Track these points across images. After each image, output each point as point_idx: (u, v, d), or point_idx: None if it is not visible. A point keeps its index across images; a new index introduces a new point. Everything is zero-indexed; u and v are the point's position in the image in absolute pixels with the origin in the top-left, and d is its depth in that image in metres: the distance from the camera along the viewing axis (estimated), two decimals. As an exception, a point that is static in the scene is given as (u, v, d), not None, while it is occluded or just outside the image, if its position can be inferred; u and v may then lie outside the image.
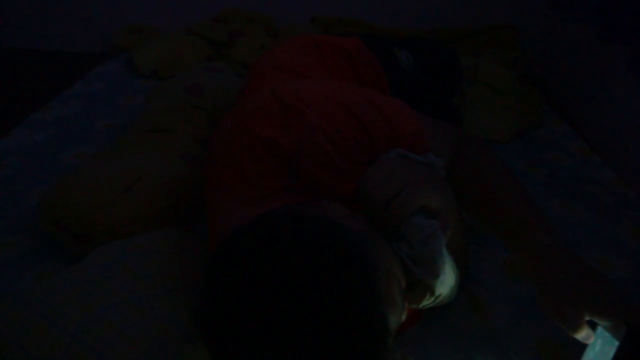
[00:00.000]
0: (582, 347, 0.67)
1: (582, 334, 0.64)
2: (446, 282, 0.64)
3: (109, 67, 1.88)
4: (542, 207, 0.76)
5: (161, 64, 1.81)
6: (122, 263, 0.81)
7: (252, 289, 0.50)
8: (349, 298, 0.50)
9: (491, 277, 0.96)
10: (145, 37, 2.03)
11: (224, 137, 0.79)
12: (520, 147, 1.41)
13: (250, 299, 0.49)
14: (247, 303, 0.49)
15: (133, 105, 1.59)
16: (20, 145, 1.38)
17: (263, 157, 0.72)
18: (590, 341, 0.65)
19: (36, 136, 1.42)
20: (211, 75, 1.46)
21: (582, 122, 1.57)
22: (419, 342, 0.82)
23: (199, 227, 1.04)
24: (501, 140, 1.42)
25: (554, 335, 0.82)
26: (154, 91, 1.43)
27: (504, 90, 1.57)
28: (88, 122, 1.50)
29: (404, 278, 0.61)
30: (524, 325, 0.86)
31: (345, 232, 0.56)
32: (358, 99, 0.77)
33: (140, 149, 1.13)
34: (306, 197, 0.71)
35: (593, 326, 0.65)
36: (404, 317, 0.61)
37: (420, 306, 0.66)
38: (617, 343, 0.60)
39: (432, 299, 0.65)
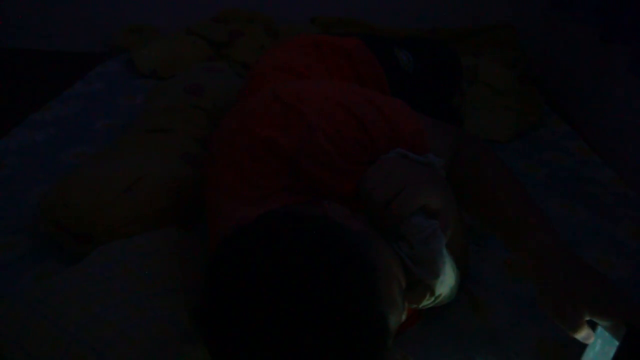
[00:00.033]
0: (582, 347, 0.67)
1: (582, 334, 0.64)
2: (446, 282, 0.64)
3: (109, 67, 1.88)
4: (542, 207, 0.76)
5: (161, 64, 1.81)
6: (122, 263, 0.81)
7: (252, 289, 0.50)
8: (349, 298, 0.50)
9: (491, 277, 0.96)
10: (145, 37, 2.03)
11: (224, 137, 0.79)
12: (520, 147, 1.41)
13: (250, 299, 0.49)
14: (247, 303, 0.49)
15: (133, 105, 1.59)
16: (20, 145, 1.38)
17: (263, 157, 0.72)
18: (590, 341, 0.65)
19: (36, 136, 1.42)
20: (211, 75, 1.46)
21: (582, 122, 1.57)
22: (419, 342, 0.82)
23: (199, 227, 1.04)
24: (501, 140, 1.42)
25: (554, 335, 0.82)
26: (154, 91, 1.43)
27: (504, 90, 1.57)
28: (88, 122, 1.50)
29: (404, 278, 0.61)
30: (524, 325, 0.86)
31: (345, 232, 0.56)
32: (358, 99, 0.77)
33: (140, 149, 1.13)
34: (306, 197, 0.71)
35: (593, 326, 0.65)
36: (404, 317, 0.61)
37: (420, 306, 0.66)
38: (617, 343, 0.60)
39: (432, 299, 0.65)
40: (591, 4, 1.50)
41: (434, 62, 1.21)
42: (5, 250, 1.01)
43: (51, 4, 2.15)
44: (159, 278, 0.80)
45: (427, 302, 0.65)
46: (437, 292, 0.64)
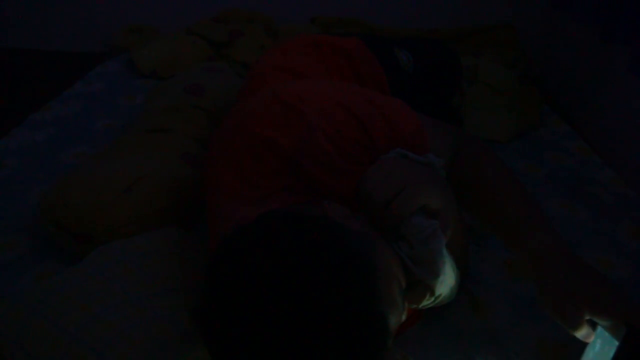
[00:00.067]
0: (581, 347, 0.67)
1: (582, 332, 0.64)
2: (446, 282, 0.64)
3: (109, 67, 1.88)
4: (542, 207, 0.76)
5: (161, 64, 1.81)
6: (122, 263, 0.81)
7: (252, 289, 0.50)
8: (349, 298, 0.50)
9: (491, 277, 0.96)
10: (145, 37, 2.03)
11: (224, 137, 0.79)
12: (520, 147, 1.41)
13: (250, 299, 0.49)
14: (247, 303, 0.49)
15: (133, 105, 1.59)
16: (20, 145, 1.38)
17: (263, 157, 0.72)
18: (590, 340, 0.65)
19: (36, 136, 1.42)
20: (211, 75, 1.46)
21: (582, 122, 1.57)
22: (419, 342, 0.82)
23: (199, 227, 1.04)
24: (501, 140, 1.42)
25: (554, 335, 0.82)
26: (154, 91, 1.43)
27: (504, 90, 1.57)
28: (88, 122, 1.50)
29: (404, 278, 0.61)
30: (524, 325, 0.86)
31: (345, 232, 0.56)
32: (358, 99, 0.77)
33: (140, 149, 1.13)
34: (306, 197, 0.71)
35: (593, 326, 0.65)
36: (404, 317, 0.61)
37: (420, 306, 0.65)
38: (616, 343, 0.60)
39: (432, 299, 0.65)
40: (591, 4, 1.50)
41: (434, 62, 1.21)
42: (5, 250, 1.01)
43: (51, 4, 2.15)
44: (159, 278, 0.80)
45: (427, 302, 0.65)
46: (437, 292, 0.64)
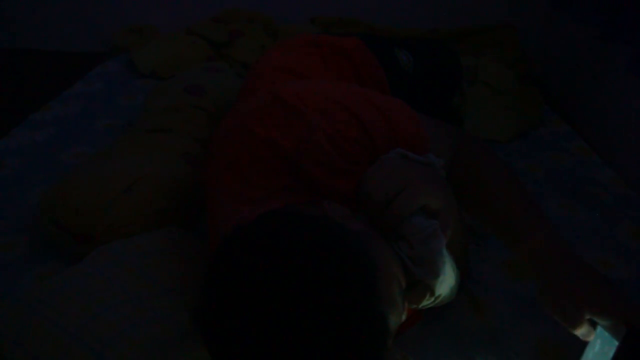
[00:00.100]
0: (581, 347, 0.67)
1: (582, 331, 0.64)
2: (446, 282, 0.64)
3: (109, 67, 1.88)
4: (542, 207, 0.76)
5: (161, 64, 1.81)
6: (122, 263, 0.81)
7: (252, 289, 0.50)
8: (349, 298, 0.50)
9: (491, 277, 0.96)
10: (145, 37, 2.03)
11: (224, 137, 0.79)
12: (520, 147, 1.41)
13: (250, 299, 0.49)
14: (247, 303, 0.49)
15: (133, 105, 1.59)
16: (20, 145, 1.38)
17: (263, 157, 0.72)
18: (590, 338, 0.65)
19: (36, 136, 1.42)
20: (211, 75, 1.46)
21: (582, 122, 1.57)
22: (419, 342, 0.82)
23: (199, 227, 1.04)
24: (501, 140, 1.42)
25: (554, 335, 0.82)
26: (154, 91, 1.43)
27: (504, 90, 1.57)
28: (88, 122, 1.50)
29: (404, 278, 0.61)
30: (524, 325, 0.86)
31: (345, 232, 0.56)
32: (358, 99, 0.77)
33: (140, 149, 1.13)
34: (306, 197, 0.71)
35: (593, 326, 0.65)
36: (404, 317, 0.61)
37: (420, 306, 0.65)
38: (616, 343, 0.60)
39: (432, 299, 0.65)
40: (591, 4, 1.50)
41: (434, 62, 1.21)
42: (5, 250, 1.01)
43: (51, 4, 2.15)
44: (159, 278, 0.80)
45: (427, 302, 0.65)
46: (437, 292, 0.64)
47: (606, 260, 1.01)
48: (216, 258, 0.55)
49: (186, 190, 1.03)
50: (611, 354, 0.60)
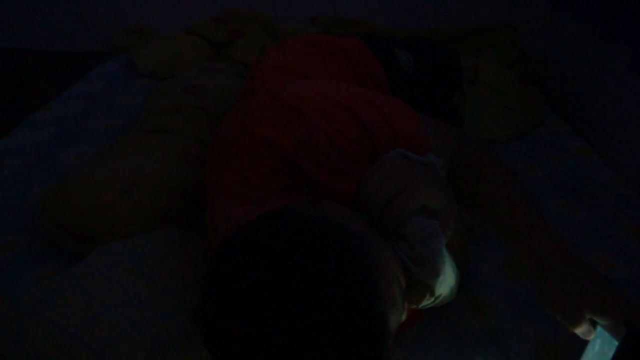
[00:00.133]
0: (581, 347, 0.67)
1: (582, 329, 0.64)
2: (446, 282, 0.64)
3: (109, 67, 1.88)
4: (542, 207, 0.76)
5: (161, 64, 1.81)
6: (122, 263, 0.81)
7: (252, 289, 0.50)
8: (349, 298, 0.50)
9: (491, 277, 0.96)
10: (145, 37, 2.03)
11: (224, 137, 0.79)
12: (520, 147, 1.41)
13: (250, 299, 0.49)
14: (247, 303, 0.49)
15: (133, 105, 1.59)
16: (20, 145, 1.38)
17: (263, 157, 0.72)
18: (591, 337, 0.65)
19: (36, 136, 1.42)
20: (211, 75, 1.46)
21: (582, 122, 1.57)
22: (419, 342, 0.82)
23: (199, 227, 1.04)
24: (501, 140, 1.42)
25: (554, 335, 0.82)
26: (154, 91, 1.43)
27: (504, 90, 1.57)
28: (88, 122, 1.50)
29: (404, 278, 0.61)
30: (524, 325, 0.86)
31: (345, 232, 0.56)
32: (358, 99, 0.77)
33: (140, 149, 1.13)
34: (306, 197, 0.71)
35: (593, 325, 0.65)
36: (404, 317, 0.61)
37: (420, 306, 0.66)
38: (616, 343, 0.60)
39: (432, 299, 0.65)
40: (591, 4, 1.50)
41: (434, 62, 1.21)
42: (5, 250, 1.01)
43: (51, 4, 2.15)
44: (159, 278, 0.80)
45: (427, 302, 0.65)
46: (437, 292, 0.64)
47: (606, 260, 1.01)
48: (216, 258, 0.55)
49: (186, 190, 1.03)
50: (611, 354, 0.60)
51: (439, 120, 0.84)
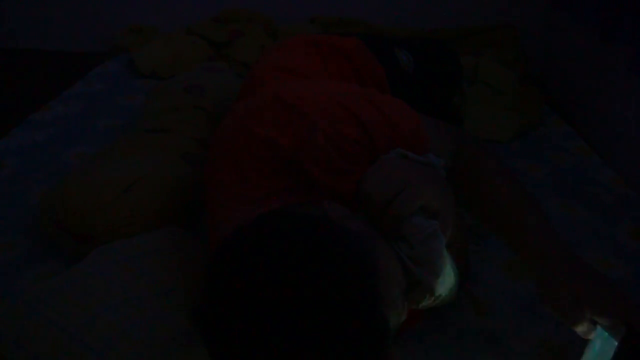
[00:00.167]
0: (581, 347, 0.67)
1: (582, 328, 0.65)
2: (446, 283, 0.64)
3: (109, 67, 1.88)
4: (542, 207, 0.76)
5: (161, 64, 1.81)
6: (122, 263, 0.81)
7: (252, 289, 0.50)
8: (349, 298, 0.50)
9: (491, 277, 0.96)
10: (145, 37, 2.03)
11: (224, 137, 0.79)
12: (520, 147, 1.41)
13: (250, 299, 0.49)
14: (247, 303, 0.49)
15: (133, 105, 1.59)
16: (20, 145, 1.38)
17: (263, 157, 0.72)
18: (591, 336, 0.65)
19: (36, 136, 1.42)
20: (211, 75, 1.46)
21: (582, 122, 1.57)
22: (419, 342, 0.82)
23: (199, 227, 1.04)
24: (501, 140, 1.42)
25: (554, 335, 0.82)
26: (154, 91, 1.43)
27: (504, 90, 1.57)
28: (88, 122, 1.50)
29: (404, 278, 0.61)
30: (524, 325, 0.86)
31: (345, 232, 0.56)
32: (358, 99, 0.77)
33: (140, 149, 1.13)
34: (306, 197, 0.71)
35: (593, 325, 0.65)
36: (404, 317, 0.61)
37: (420, 306, 0.65)
38: (616, 343, 0.60)
39: (432, 299, 0.65)
40: (591, 4, 1.50)
41: (434, 62, 1.21)
42: (5, 250, 1.01)
43: (51, 4, 2.15)
44: (159, 278, 0.80)
45: (427, 302, 0.65)
46: (437, 293, 0.64)
47: (606, 260, 1.01)
48: (216, 258, 0.55)
49: (186, 190, 1.03)
50: (611, 354, 0.60)
51: (439, 120, 0.84)
